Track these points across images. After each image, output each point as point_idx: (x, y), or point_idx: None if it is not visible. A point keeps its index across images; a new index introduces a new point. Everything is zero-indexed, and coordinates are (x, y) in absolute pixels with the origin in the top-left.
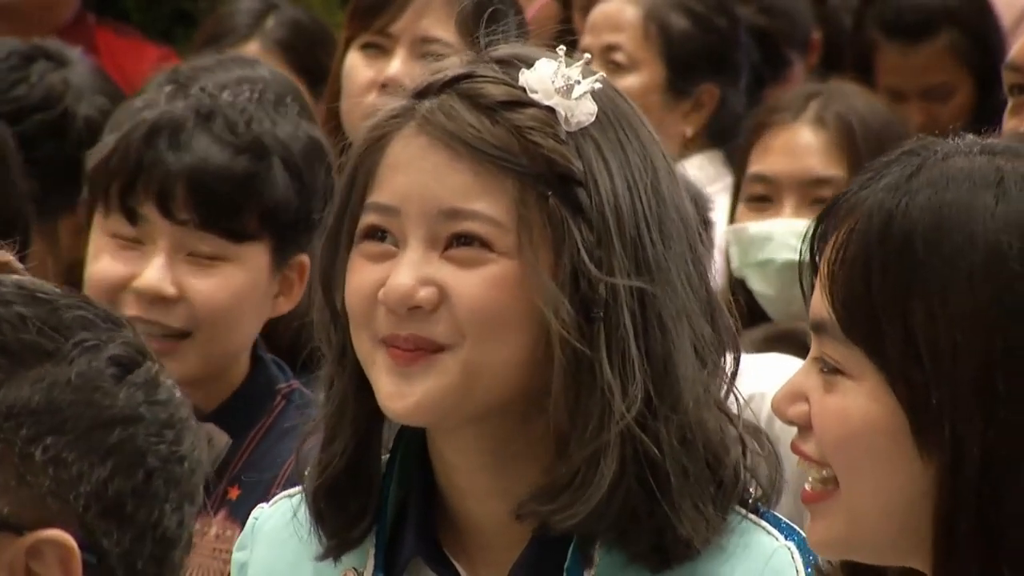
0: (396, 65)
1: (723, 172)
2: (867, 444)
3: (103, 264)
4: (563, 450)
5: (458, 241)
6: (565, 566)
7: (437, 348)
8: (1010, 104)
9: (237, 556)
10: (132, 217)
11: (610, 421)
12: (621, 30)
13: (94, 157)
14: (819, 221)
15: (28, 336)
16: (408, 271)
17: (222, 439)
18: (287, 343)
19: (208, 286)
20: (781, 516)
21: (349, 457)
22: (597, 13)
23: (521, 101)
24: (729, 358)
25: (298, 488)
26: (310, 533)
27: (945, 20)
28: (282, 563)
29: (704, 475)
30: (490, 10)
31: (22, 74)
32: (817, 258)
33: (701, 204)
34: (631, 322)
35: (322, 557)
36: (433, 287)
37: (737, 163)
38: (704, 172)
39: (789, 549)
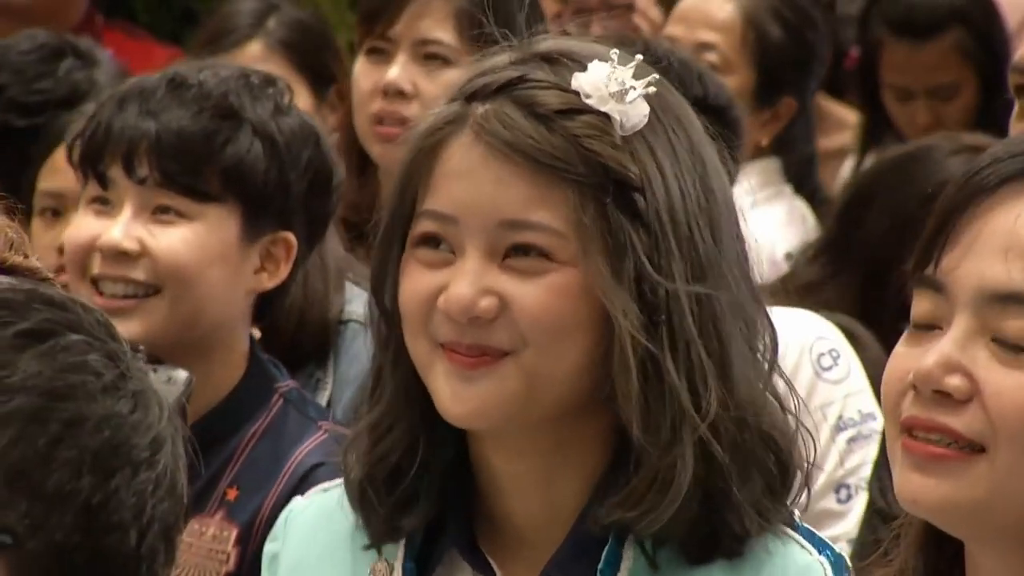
0: (395, 70)
1: (775, 179)
2: None
3: (76, 226)
4: (636, 455)
5: (517, 252)
6: (599, 568)
7: (501, 354)
8: (1017, 107)
9: (269, 547)
10: (102, 181)
11: (683, 424)
12: (718, 30)
13: (72, 131)
14: (968, 191)
15: None
16: (468, 281)
17: (180, 376)
18: (287, 340)
19: (169, 240)
20: (815, 530)
21: (402, 455)
22: (691, 6)
23: (576, 108)
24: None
25: (334, 482)
26: (356, 526)
27: (953, 19)
28: (313, 555)
29: (761, 468)
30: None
31: (49, 67)
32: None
33: None
34: (692, 322)
35: (369, 546)
36: (493, 297)
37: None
38: (756, 179)
39: (822, 564)
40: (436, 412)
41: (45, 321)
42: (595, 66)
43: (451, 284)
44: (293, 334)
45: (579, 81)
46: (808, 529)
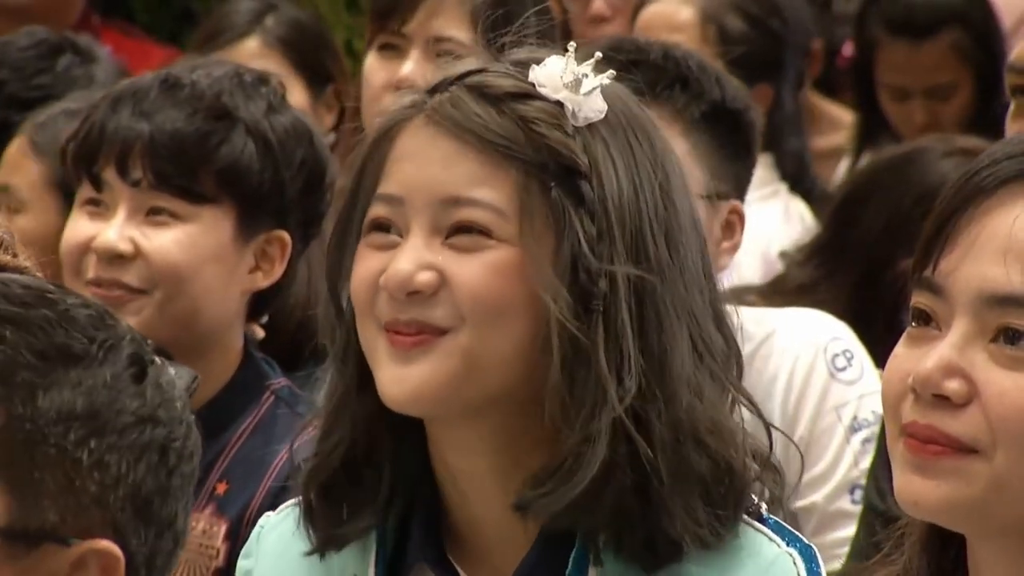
0: (409, 66)
1: (770, 177)
2: None
3: (71, 228)
4: (552, 438)
5: (459, 229)
6: (567, 572)
7: (439, 332)
8: (1012, 107)
9: (242, 564)
10: (96, 183)
11: (602, 411)
12: (679, 31)
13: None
14: (967, 193)
15: (59, 339)
16: (408, 257)
17: (186, 373)
18: (287, 340)
19: (163, 241)
20: (784, 523)
21: (346, 453)
22: (651, 13)
23: (529, 94)
24: (733, 364)
25: None
26: (296, 529)
27: (951, 18)
28: (284, 570)
29: (697, 474)
30: (504, 8)
31: (47, 63)
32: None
33: None
34: (628, 316)
35: (310, 552)
36: (432, 272)
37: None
38: None
39: (791, 556)
40: (389, 415)
41: (133, 343)
42: (552, 60)
43: (393, 261)
44: (294, 333)
45: (535, 73)
46: (777, 522)
